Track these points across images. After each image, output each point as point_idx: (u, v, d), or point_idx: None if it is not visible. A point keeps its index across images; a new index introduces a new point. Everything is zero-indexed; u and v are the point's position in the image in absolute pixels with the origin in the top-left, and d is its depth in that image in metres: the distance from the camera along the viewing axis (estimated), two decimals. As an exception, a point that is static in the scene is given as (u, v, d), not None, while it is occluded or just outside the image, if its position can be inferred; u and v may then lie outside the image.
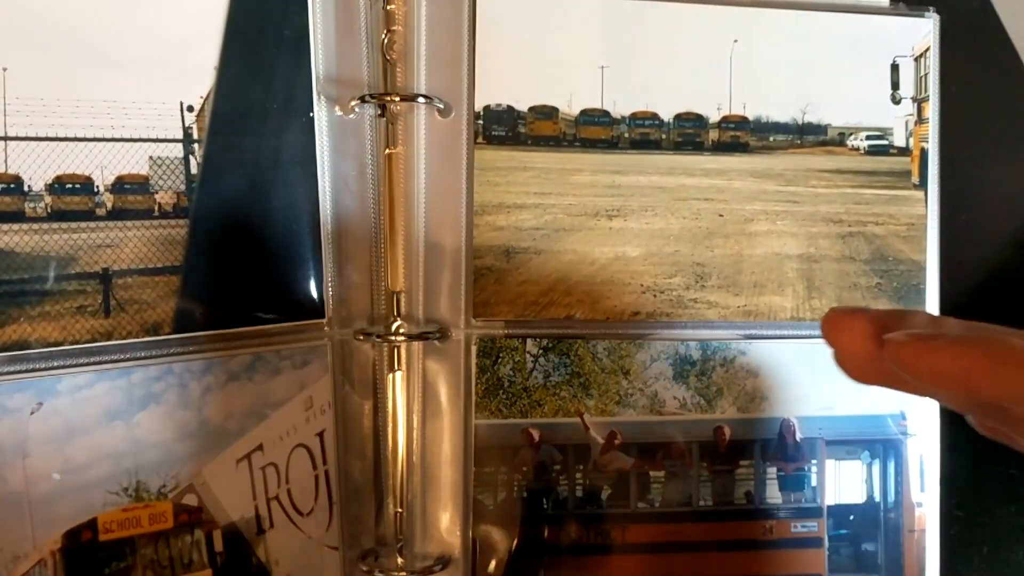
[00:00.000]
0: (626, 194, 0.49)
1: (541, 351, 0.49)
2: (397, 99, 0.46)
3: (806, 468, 0.50)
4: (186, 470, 0.45)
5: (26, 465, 0.41)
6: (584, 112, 0.49)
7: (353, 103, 0.46)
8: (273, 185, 0.46)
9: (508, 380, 0.48)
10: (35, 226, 0.42)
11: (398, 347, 0.47)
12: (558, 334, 0.48)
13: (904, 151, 0.51)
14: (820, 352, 0.48)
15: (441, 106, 0.47)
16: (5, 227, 0.41)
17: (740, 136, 0.50)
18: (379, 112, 0.47)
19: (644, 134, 0.49)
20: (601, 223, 0.49)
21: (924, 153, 0.51)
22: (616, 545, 0.49)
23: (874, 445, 0.49)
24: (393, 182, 0.47)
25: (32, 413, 0.41)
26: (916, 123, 0.51)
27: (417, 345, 0.48)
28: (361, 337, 0.47)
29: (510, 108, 0.48)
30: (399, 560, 0.48)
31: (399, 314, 0.47)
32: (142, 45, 0.44)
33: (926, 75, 0.51)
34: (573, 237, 0.49)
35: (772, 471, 0.50)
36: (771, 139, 0.50)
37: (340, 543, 0.48)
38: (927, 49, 0.51)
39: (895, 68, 0.50)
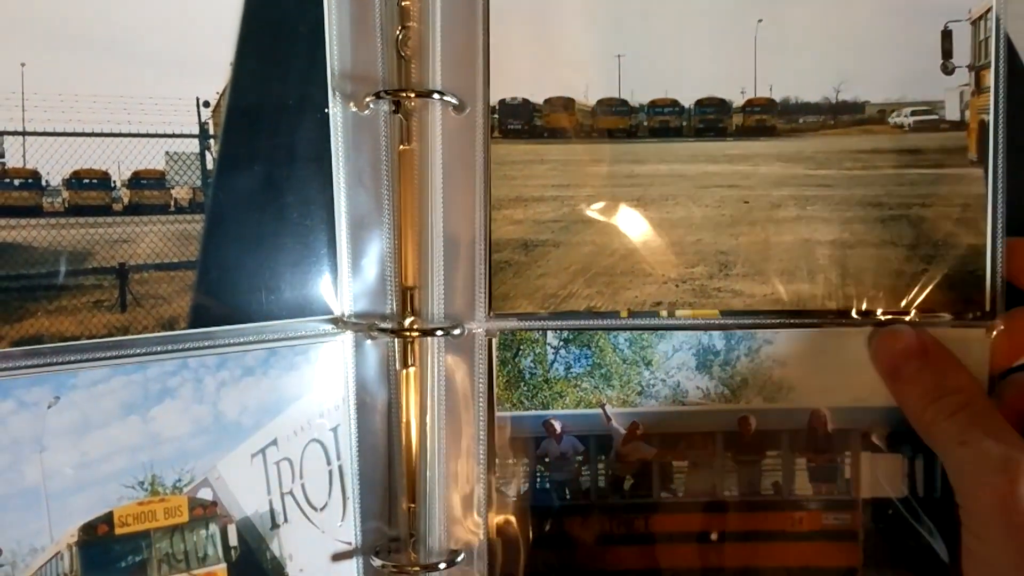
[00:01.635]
0: (646, 183, 0.48)
1: (562, 343, 0.48)
2: (412, 95, 0.46)
3: (838, 460, 0.49)
4: (201, 464, 0.45)
5: (43, 459, 0.41)
6: (601, 102, 0.48)
7: (368, 99, 0.46)
8: (288, 181, 0.46)
9: (529, 372, 0.48)
10: (52, 221, 0.42)
11: (412, 342, 0.47)
12: (574, 327, 0.48)
13: (958, 125, 0.47)
14: (854, 341, 0.47)
15: (455, 102, 0.47)
16: (23, 222, 0.42)
17: (766, 119, 0.48)
18: (393, 108, 0.47)
19: (664, 122, 0.48)
20: (621, 214, 0.48)
21: (983, 126, 0.47)
22: (639, 535, 0.49)
23: (917, 438, 0.46)
24: (407, 179, 0.47)
25: (49, 407, 0.41)
26: (974, 93, 0.47)
27: (434, 340, 0.47)
28: (375, 333, 0.47)
29: (525, 101, 0.48)
30: (412, 555, 0.47)
31: (413, 310, 0.47)
32: (159, 41, 0.44)
33: (986, 39, 0.47)
34: (592, 228, 0.48)
35: (801, 462, 0.49)
36: (800, 121, 0.48)
37: (353, 538, 0.48)
38: (988, 10, 0.47)
39: (947, 35, 0.47)
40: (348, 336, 0.48)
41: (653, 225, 0.48)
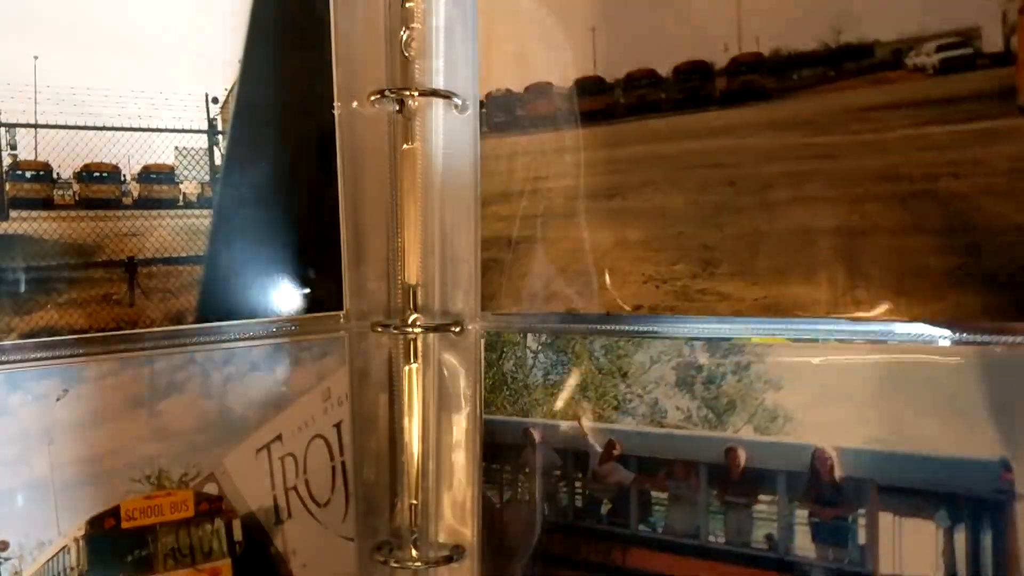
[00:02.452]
0: (624, 169, 0.42)
1: (540, 347, 0.45)
2: (415, 94, 0.46)
3: (849, 518, 0.38)
4: (207, 459, 0.45)
5: (51, 451, 0.43)
6: (577, 83, 0.44)
7: (372, 98, 0.47)
8: (293, 178, 0.47)
9: (511, 376, 0.45)
10: (63, 213, 0.43)
11: (414, 339, 0.47)
12: (561, 328, 0.44)
13: (1002, 58, 0.34)
14: (870, 362, 0.38)
15: (458, 102, 0.46)
16: (35, 214, 0.43)
17: (754, 80, 0.39)
18: (397, 108, 0.47)
19: (641, 96, 0.41)
20: (600, 205, 0.43)
21: None
22: (615, 567, 0.44)
23: (957, 502, 0.35)
24: (409, 177, 0.47)
25: (58, 400, 0.43)
26: (1022, 11, 0.34)
27: (433, 338, 0.47)
28: (379, 329, 0.47)
29: (508, 92, 0.45)
30: (413, 551, 0.47)
31: (415, 307, 0.47)
32: (170, 37, 0.45)
33: None
34: (571, 223, 0.43)
35: (802, 514, 0.39)
36: (795, 76, 0.38)
37: (355, 534, 0.48)
38: None
39: None
40: (351, 333, 0.48)
41: (631, 216, 0.42)
